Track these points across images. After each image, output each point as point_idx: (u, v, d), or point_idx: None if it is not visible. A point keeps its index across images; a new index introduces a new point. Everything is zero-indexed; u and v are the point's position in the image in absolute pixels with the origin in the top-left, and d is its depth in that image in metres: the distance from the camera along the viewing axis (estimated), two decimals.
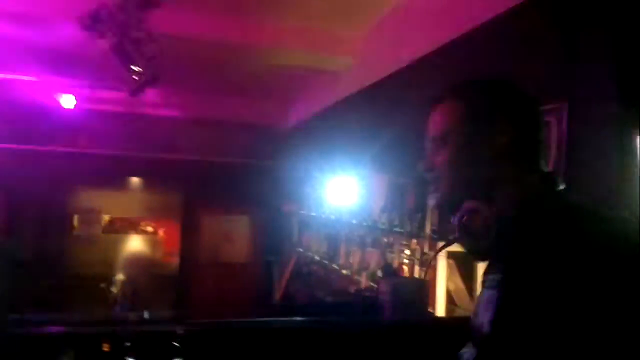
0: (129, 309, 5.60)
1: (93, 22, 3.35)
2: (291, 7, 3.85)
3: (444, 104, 1.11)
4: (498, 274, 1.01)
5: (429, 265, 3.16)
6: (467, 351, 1.09)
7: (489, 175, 1.04)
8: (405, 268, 3.44)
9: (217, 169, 6.83)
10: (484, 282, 1.08)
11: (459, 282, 3.17)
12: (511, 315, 0.90)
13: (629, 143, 1.86)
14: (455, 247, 1.22)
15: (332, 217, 4.99)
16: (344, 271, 4.62)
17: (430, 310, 2.91)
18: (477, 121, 1.06)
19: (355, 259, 4.49)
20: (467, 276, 3.17)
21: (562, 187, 1.05)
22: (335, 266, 4.88)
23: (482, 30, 2.68)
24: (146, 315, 2.60)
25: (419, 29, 3.44)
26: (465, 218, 1.03)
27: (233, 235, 7.25)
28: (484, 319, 0.99)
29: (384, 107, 4.10)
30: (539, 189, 1.03)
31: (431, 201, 1.13)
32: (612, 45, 1.91)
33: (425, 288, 2.83)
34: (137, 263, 7.12)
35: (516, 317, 0.89)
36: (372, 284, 3.91)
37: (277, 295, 6.01)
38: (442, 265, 3.04)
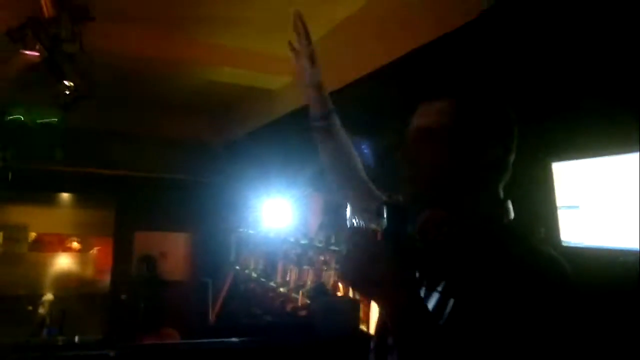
0: (57, 332, 5.37)
1: (23, 35, 3.25)
2: (227, 25, 3.85)
3: (444, 100, 1.06)
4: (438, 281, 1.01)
5: None
6: None
7: (471, 184, 1.03)
8: (341, 286, 3.48)
9: (151, 184, 6.68)
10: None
11: None
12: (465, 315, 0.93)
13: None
14: None
15: (270, 235, 4.99)
16: (281, 289, 4.63)
17: (363, 328, 2.94)
18: (478, 126, 1.03)
19: (292, 277, 4.51)
20: None
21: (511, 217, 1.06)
22: (272, 284, 4.87)
23: (424, 50, 2.74)
24: (77, 339, 2.52)
25: (355, 50, 3.51)
26: (429, 226, 1.01)
27: (168, 252, 7.08)
28: None
29: None
30: (497, 212, 1.04)
31: (401, 195, 1.04)
32: None
33: (356, 307, 2.87)
34: (67, 282, 6.87)
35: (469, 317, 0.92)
36: (308, 301, 3.93)
37: (214, 313, 5.93)
38: None
